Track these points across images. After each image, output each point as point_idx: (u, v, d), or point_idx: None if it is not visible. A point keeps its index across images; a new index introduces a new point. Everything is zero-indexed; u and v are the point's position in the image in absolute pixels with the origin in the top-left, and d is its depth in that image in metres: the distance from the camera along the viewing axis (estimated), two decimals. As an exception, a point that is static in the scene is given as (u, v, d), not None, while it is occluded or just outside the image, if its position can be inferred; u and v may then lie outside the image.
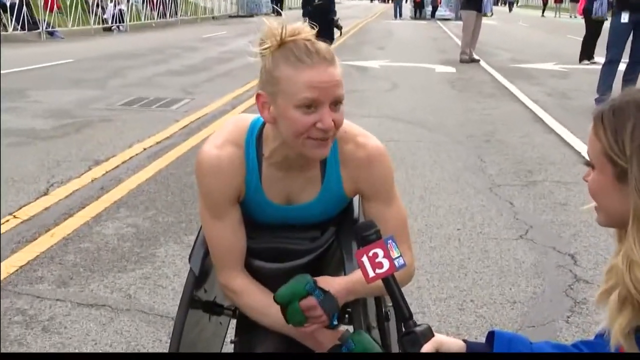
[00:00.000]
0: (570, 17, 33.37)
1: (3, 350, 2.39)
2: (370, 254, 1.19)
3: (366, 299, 1.58)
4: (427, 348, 1.16)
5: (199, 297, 1.61)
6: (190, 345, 1.58)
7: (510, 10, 36.07)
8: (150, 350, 2.40)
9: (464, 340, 1.22)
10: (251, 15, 29.00)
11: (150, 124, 6.24)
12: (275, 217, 1.55)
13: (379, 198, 1.51)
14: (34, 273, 3.03)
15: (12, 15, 15.15)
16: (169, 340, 1.55)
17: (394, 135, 5.86)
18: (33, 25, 15.63)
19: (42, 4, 16.50)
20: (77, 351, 2.38)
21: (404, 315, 1.19)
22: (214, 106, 7.31)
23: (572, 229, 3.67)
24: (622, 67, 7.32)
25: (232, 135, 1.49)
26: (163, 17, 22.96)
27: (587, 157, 1.13)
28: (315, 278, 1.42)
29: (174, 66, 10.96)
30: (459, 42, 13.82)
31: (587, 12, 11.45)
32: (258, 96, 1.41)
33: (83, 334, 2.52)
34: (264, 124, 1.47)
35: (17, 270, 3.04)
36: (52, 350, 2.38)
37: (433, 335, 1.17)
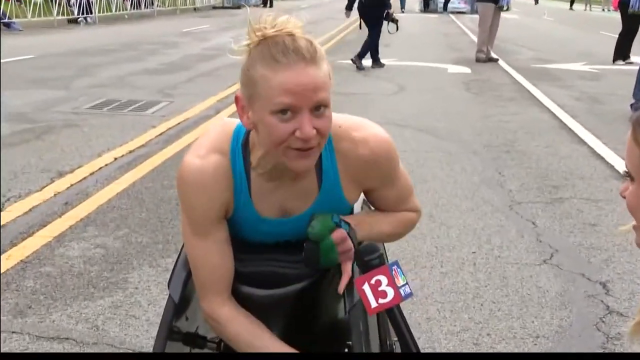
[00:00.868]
0: (603, 10, 33.66)
1: None
2: (373, 281, 1.20)
3: (368, 330, 1.60)
4: None
5: (179, 328, 1.62)
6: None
7: (536, 2, 36.22)
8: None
9: None
10: (238, 7, 29.13)
11: (122, 130, 6.26)
12: (268, 233, 1.57)
13: (385, 185, 1.59)
14: (-13, 301, 3.03)
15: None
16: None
17: (400, 145, 5.85)
18: (-14, 15, 15.71)
19: (-2, -9, 16.59)
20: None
21: (410, 351, 1.21)
22: (196, 110, 7.34)
23: (604, 253, 3.70)
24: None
25: (216, 143, 1.51)
26: (137, 8, 23.04)
27: (621, 171, 1.14)
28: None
29: (150, 64, 11.00)
30: (475, 39, 13.93)
31: (623, 6, 11.42)
32: (237, 99, 1.43)
33: (43, 371, 2.52)
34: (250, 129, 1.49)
35: (-32, 298, 3.05)
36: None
37: None
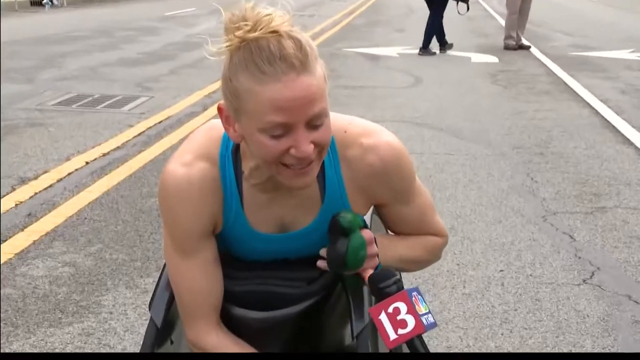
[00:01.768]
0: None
1: None
2: (391, 309, 1.19)
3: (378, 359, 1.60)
4: None
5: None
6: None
7: None
8: None
9: None
10: (228, -14, 29.17)
11: (94, 130, 6.27)
12: (263, 251, 1.57)
13: (399, 201, 1.59)
14: (-62, 327, 3.04)
15: None
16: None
17: (416, 147, 5.91)
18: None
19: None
20: None
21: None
22: (180, 107, 7.36)
23: (653, 271, 3.71)
24: None
25: (203, 148, 1.52)
26: (111, -12, 23.11)
27: None
28: None
29: (127, 53, 11.02)
30: (503, 23, 13.94)
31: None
32: (220, 110, 1.42)
33: (4, 409, 2.53)
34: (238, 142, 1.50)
35: None
36: None
37: None
